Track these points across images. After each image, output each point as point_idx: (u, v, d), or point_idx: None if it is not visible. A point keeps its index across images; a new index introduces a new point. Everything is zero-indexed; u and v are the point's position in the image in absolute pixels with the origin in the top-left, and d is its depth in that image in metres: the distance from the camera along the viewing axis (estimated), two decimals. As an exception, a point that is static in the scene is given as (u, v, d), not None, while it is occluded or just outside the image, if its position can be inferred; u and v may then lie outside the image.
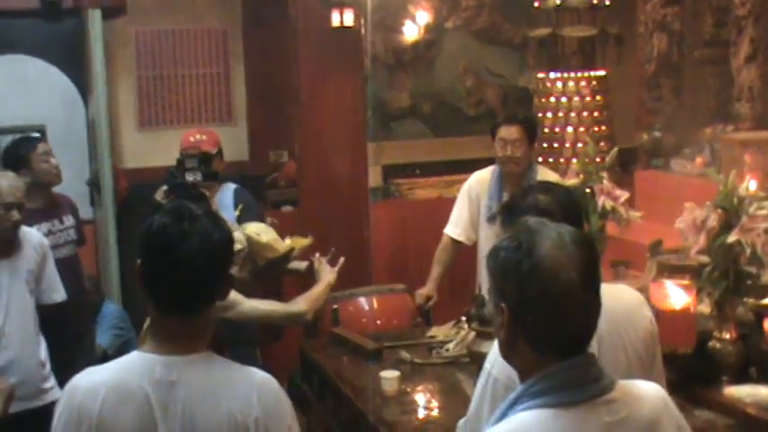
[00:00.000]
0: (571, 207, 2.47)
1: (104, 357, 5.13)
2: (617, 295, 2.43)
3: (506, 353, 1.68)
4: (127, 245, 5.87)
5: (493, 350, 2.25)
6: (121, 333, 5.41)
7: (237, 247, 3.45)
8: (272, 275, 4.01)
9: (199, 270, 1.90)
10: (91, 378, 1.94)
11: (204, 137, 4.69)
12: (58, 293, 4.10)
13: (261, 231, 3.84)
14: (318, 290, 3.78)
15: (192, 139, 4.63)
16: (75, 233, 4.64)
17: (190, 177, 4.43)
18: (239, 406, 1.89)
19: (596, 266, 1.64)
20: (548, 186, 2.56)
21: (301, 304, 3.68)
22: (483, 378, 2.26)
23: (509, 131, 4.39)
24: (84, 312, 4.77)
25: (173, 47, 7.01)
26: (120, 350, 5.15)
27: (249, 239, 3.75)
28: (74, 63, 6.52)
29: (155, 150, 6.56)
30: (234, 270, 3.30)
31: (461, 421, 2.36)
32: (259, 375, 1.97)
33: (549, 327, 1.61)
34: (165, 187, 4.45)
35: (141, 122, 6.97)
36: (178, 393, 1.88)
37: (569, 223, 2.08)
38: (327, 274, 3.87)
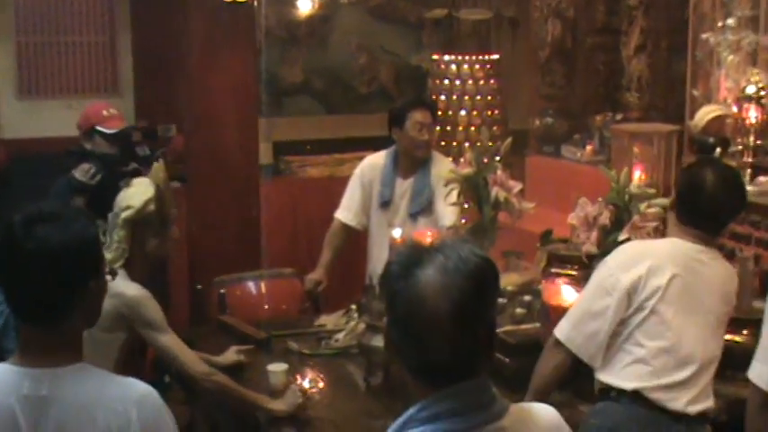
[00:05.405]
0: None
1: None
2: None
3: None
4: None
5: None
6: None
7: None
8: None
9: (36, 277, 1.76)
10: None
11: (116, 111, 4.58)
12: None
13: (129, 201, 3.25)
14: (248, 395, 3.14)
15: (105, 113, 4.50)
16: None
17: (140, 152, 4.37)
18: (117, 422, 1.77)
19: (481, 300, 1.54)
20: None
21: (206, 371, 3.11)
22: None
23: (425, 115, 4.28)
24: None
25: (55, 12, 6.69)
26: (3, 330, 4.91)
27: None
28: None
29: (36, 121, 6.27)
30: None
31: None
32: (139, 388, 1.84)
33: (413, 353, 1.55)
34: (87, 165, 4.27)
35: (21, 91, 6.65)
36: (49, 410, 1.76)
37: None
38: (283, 402, 3.12)
